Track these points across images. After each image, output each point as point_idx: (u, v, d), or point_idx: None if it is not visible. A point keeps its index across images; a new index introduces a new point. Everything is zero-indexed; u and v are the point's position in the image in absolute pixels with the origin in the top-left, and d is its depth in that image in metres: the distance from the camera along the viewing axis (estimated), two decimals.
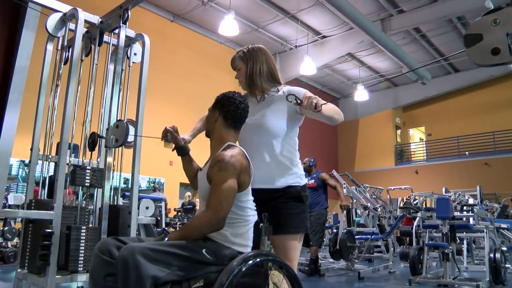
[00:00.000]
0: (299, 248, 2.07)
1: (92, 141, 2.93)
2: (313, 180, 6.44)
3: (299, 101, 1.87)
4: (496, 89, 17.04)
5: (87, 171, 2.77)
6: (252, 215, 1.88)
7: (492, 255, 5.06)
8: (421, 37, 14.46)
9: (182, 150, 2.11)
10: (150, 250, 1.53)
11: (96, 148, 3.10)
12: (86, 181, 2.75)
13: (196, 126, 2.31)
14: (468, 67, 16.40)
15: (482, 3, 9.74)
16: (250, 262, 1.65)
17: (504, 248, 5.59)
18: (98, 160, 3.06)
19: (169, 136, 2.07)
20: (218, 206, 1.71)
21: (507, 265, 5.31)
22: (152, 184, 11.51)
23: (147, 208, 3.10)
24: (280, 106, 2.08)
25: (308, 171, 6.50)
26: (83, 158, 3.09)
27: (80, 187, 2.90)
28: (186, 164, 2.15)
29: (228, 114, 1.93)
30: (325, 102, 1.87)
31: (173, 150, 2.14)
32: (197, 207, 9.78)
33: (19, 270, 2.79)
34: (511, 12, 1.35)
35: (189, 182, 2.18)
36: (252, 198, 1.90)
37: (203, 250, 1.68)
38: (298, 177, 2.09)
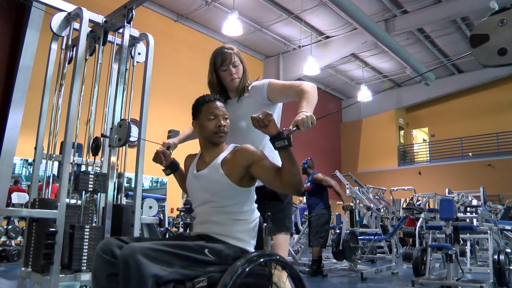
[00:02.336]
0: (282, 249, 2.05)
1: (96, 146, 2.94)
2: (309, 183, 6.44)
3: (294, 128, 1.75)
4: (500, 90, 16.98)
5: (90, 175, 2.77)
6: (256, 218, 1.90)
7: (496, 256, 5.04)
8: (425, 38, 14.42)
9: (172, 167, 2.16)
10: (152, 249, 1.53)
11: (100, 148, 3.11)
12: (90, 185, 2.75)
13: (186, 131, 2.38)
14: (472, 68, 16.35)
15: (487, 3, 9.68)
16: (254, 262, 1.64)
17: (508, 250, 5.56)
18: (102, 159, 3.07)
19: (164, 160, 2.14)
20: None
21: (511, 267, 5.28)
22: (155, 184, 11.53)
23: (150, 207, 3.11)
24: (252, 106, 2.11)
25: (304, 173, 6.48)
26: (87, 157, 3.09)
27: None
28: (178, 176, 2.20)
29: None
30: (308, 114, 1.76)
31: (163, 170, 2.18)
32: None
33: (23, 269, 2.80)
34: None
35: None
36: (253, 202, 1.92)
37: (206, 250, 1.68)
38: None
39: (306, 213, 7.62)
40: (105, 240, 1.74)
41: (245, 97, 2.17)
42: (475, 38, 1.47)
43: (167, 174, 2.20)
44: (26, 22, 8.26)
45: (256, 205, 1.93)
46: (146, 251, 1.51)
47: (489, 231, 5.53)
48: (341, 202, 6.47)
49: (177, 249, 1.60)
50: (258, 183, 1.96)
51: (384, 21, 12.92)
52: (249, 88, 2.18)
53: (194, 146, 2.02)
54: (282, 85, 2.11)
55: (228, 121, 1.94)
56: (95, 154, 2.98)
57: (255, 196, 1.93)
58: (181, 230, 9.21)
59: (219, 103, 1.95)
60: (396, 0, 12.23)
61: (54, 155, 3.10)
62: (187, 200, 10.55)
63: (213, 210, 1.86)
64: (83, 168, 3.20)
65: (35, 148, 3.09)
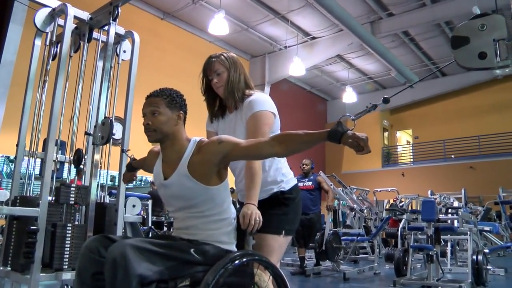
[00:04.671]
0: (277, 249, 2.04)
1: (78, 158, 2.92)
2: (311, 182, 6.65)
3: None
4: (482, 94, 17.27)
5: (71, 188, 2.74)
6: (234, 213, 1.89)
7: (474, 257, 5.14)
8: (410, 41, 14.58)
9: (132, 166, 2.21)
10: (140, 248, 1.53)
11: (84, 145, 3.08)
12: (71, 199, 2.72)
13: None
14: (455, 71, 16.57)
15: (470, 8, 9.87)
16: (237, 262, 1.65)
17: (486, 250, 5.67)
18: (86, 157, 3.04)
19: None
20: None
21: (488, 267, 5.39)
22: (139, 182, 11.44)
23: (133, 206, 3.09)
24: (244, 118, 2.09)
25: (306, 173, 6.75)
26: (70, 155, 3.06)
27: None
28: (141, 166, 2.19)
29: (186, 111, 1.91)
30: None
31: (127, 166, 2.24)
32: None
33: (1, 268, 2.75)
34: (498, 19, 1.38)
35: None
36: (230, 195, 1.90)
37: (191, 250, 1.68)
38: (282, 184, 2.12)
39: None
40: (91, 238, 1.72)
41: (239, 110, 2.13)
42: (456, 40, 1.50)
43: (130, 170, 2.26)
44: (8, 16, 8.10)
45: (231, 199, 1.91)
46: (134, 250, 1.50)
47: (469, 232, 5.63)
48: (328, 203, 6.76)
49: (164, 249, 1.60)
50: (267, 195, 2.03)
51: (370, 23, 13.02)
52: (246, 101, 2.10)
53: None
54: (251, 130, 2.02)
55: (158, 117, 1.80)
56: (77, 166, 2.96)
57: (229, 187, 1.90)
58: (164, 229, 9.16)
59: (149, 99, 1.85)
60: (382, 3, 12.34)
61: (36, 152, 3.06)
62: None
63: (193, 215, 1.82)
64: (66, 166, 3.17)
65: (17, 145, 3.05)
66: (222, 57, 2.14)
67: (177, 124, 1.85)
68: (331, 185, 6.98)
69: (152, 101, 1.83)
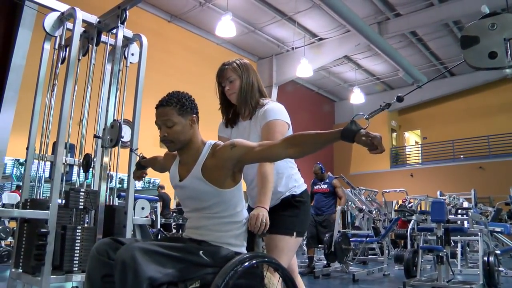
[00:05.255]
0: (288, 251, 2.05)
1: (86, 163, 2.94)
2: (326, 186, 6.90)
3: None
4: (491, 93, 17.13)
5: (81, 193, 2.75)
6: (246, 216, 1.89)
7: (486, 258, 5.08)
8: (418, 41, 14.51)
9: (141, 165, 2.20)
10: (148, 251, 1.53)
11: (93, 148, 3.10)
12: (80, 203, 2.74)
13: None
14: (464, 71, 16.46)
15: (478, 7, 9.74)
16: (246, 264, 1.65)
17: (498, 252, 5.61)
18: (95, 160, 3.06)
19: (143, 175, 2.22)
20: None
21: (500, 268, 5.33)
22: (147, 184, 11.49)
23: (142, 208, 3.10)
24: (258, 127, 2.10)
25: (321, 177, 6.98)
26: (79, 158, 3.08)
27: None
28: (150, 165, 2.19)
29: (198, 112, 1.91)
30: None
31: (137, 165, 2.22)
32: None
33: (13, 270, 2.78)
34: (509, 18, 1.36)
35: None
36: (243, 199, 1.91)
37: (200, 252, 1.68)
38: (294, 188, 2.14)
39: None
40: (101, 241, 1.73)
41: (253, 119, 2.14)
42: (466, 40, 1.49)
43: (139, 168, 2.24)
44: (18, 21, 8.20)
45: (245, 203, 1.92)
46: (144, 252, 1.51)
47: (479, 233, 5.57)
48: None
49: (173, 251, 1.61)
50: (279, 201, 2.05)
51: (377, 23, 12.98)
52: (261, 110, 2.12)
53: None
54: (265, 138, 2.03)
55: (174, 128, 1.80)
56: (86, 171, 2.97)
57: (243, 191, 1.90)
58: (173, 231, 9.19)
59: (160, 110, 1.83)
60: (389, 3, 12.30)
61: (46, 155, 3.09)
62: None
63: (206, 216, 1.83)
64: (75, 169, 3.19)
65: (27, 148, 3.07)
66: (235, 64, 2.16)
67: (192, 128, 1.86)
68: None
69: (163, 112, 1.82)
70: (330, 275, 6.53)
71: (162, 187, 10.34)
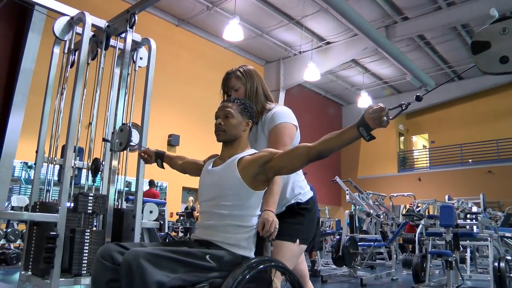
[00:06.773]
0: (290, 257, 2.03)
1: (95, 167, 2.95)
2: None
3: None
4: (500, 97, 17.00)
5: (89, 197, 2.77)
6: (256, 222, 1.88)
7: (496, 264, 5.03)
8: (425, 44, 14.44)
9: (159, 156, 2.29)
10: (154, 255, 1.53)
11: (102, 151, 3.12)
12: (89, 208, 2.76)
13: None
14: (472, 75, 16.37)
15: (487, 11, 9.74)
16: (255, 268, 1.65)
17: (509, 257, 5.55)
18: (103, 164, 3.07)
19: (148, 156, 2.32)
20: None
21: (511, 275, 5.27)
22: (156, 188, 11.52)
23: (151, 212, 3.11)
24: (266, 131, 2.12)
25: None
26: (88, 161, 3.10)
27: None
28: (169, 162, 2.28)
29: (254, 121, 2.01)
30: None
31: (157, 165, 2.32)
32: (196, 212, 9.72)
33: (22, 272, 2.80)
34: None
35: (182, 172, 2.27)
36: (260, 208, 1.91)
37: (207, 256, 1.68)
38: (299, 196, 2.13)
39: None
40: (105, 246, 1.73)
41: (260, 123, 2.15)
42: (476, 45, 1.48)
43: (160, 166, 2.31)
44: (28, 25, 8.29)
45: (259, 213, 1.91)
46: (149, 257, 1.50)
47: (489, 238, 5.52)
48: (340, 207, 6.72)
49: (179, 255, 1.60)
50: (285, 208, 2.06)
51: (385, 27, 12.95)
52: (269, 114, 2.12)
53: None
54: (273, 140, 2.05)
55: (230, 119, 1.91)
56: (94, 175, 2.99)
57: (261, 202, 1.91)
58: (180, 234, 9.20)
59: (224, 104, 1.97)
60: (397, 7, 12.27)
61: (55, 159, 3.11)
62: (192, 205, 10.50)
63: (220, 206, 1.83)
64: (83, 172, 3.21)
65: (37, 151, 3.09)
66: (238, 72, 2.17)
67: (245, 130, 1.96)
68: (347, 190, 6.95)
69: (226, 106, 1.95)
70: (337, 279, 6.50)
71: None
